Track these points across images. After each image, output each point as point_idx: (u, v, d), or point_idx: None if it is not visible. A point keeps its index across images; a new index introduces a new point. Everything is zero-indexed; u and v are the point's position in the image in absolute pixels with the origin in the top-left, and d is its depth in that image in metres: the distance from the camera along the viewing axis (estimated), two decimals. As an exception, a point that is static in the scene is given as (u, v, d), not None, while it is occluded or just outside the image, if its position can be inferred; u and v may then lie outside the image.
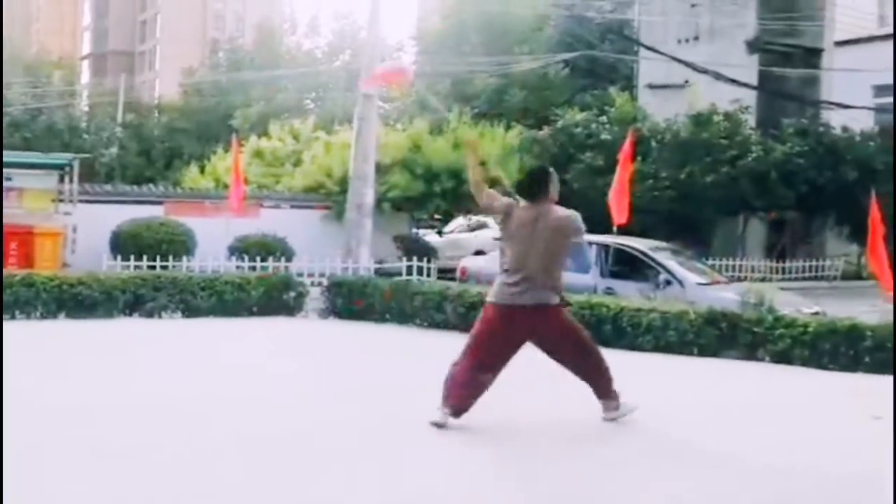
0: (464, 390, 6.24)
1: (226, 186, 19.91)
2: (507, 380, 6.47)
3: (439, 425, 6.20)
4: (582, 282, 12.30)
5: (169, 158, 34.06)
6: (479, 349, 6.34)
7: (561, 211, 6.49)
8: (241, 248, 18.22)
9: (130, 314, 12.36)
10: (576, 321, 6.80)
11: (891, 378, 8.63)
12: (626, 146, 15.53)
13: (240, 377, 8.25)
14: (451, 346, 10.49)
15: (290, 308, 13.48)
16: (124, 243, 18.10)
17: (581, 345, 6.50)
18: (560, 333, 6.44)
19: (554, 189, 6.55)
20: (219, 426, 6.29)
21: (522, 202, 6.50)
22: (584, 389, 6.59)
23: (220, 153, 26.49)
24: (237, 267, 16.57)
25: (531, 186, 6.53)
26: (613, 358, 9.61)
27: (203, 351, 10.05)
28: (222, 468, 5.28)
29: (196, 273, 14.72)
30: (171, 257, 17.02)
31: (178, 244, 18.28)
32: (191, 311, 12.78)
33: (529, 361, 6.63)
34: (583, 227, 6.52)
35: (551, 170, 6.84)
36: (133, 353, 9.50)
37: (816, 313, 11.12)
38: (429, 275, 17.23)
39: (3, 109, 28.34)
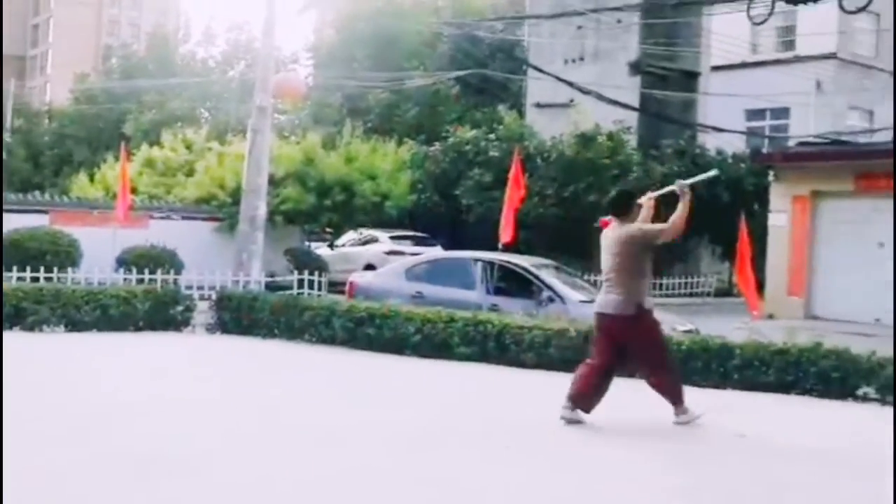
0: (587, 390, 7.27)
1: (115, 195, 19.57)
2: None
3: (571, 421, 7.21)
4: (468, 298, 12.59)
5: (58, 165, 33.21)
6: (595, 353, 7.55)
7: (630, 226, 7.35)
8: (129, 260, 17.90)
9: (11, 328, 12.02)
10: (659, 335, 7.64)
11: (756, 395, 9.20)
12: (515, 165, 15.97)
13: (113, 395, 8.16)
14: (336, 362, 10.86)
15: (177, 322, 13.38)
16: (6, 253, 17.61)
17: (655, 358, 7.40)
18: (638, 341, 7.32)
19: (637, 210, 7.51)
20: (96, 447, 6.20)
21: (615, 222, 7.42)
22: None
23: (111, 161, 25.99)
24: (124, 279, 16.33)
25: (614, 207, 7.50)
26: (496, 374, 10.08)
27: (81, 367, 9.84)
28: (94, 489, 5.23)
29: (81, 285, 14.49)
30: (55, 269, 16.65)
31: (63, 255, 17.83)
32: (74, 325, 12.59)
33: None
34: (645, 230, 7.42)
35: (633, 192, 7.77)
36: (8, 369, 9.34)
37: (690, 331, 11.46)
38: (320, 288, 17.35)
39: None
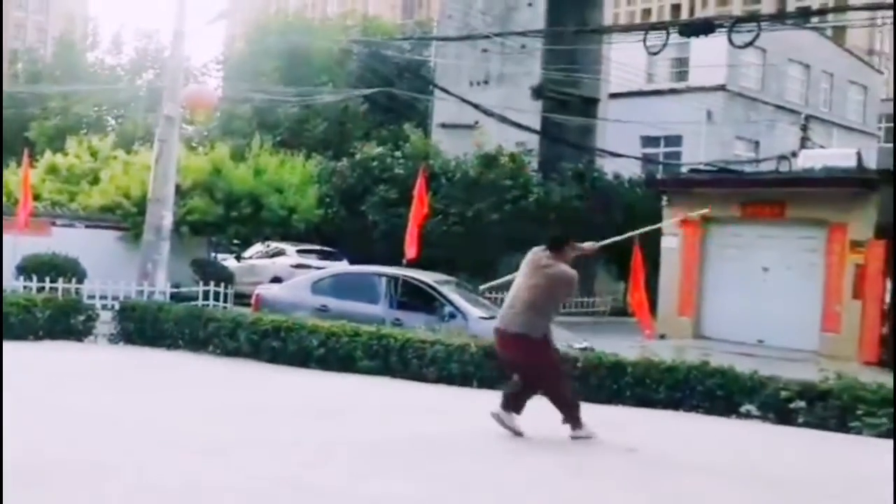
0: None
1: (16, 202, 19.23)
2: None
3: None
4: (371, 312, 12.80)
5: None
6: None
7: (562, 266, 7.66)
8: (30, 268, 17.57)
9: None
10: (557, 364, 7.93)
11: (648, 411, 9.48)
12: (420, 183, 16.34)
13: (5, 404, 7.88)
14: (238, 374, 10.89)
15: (78, 332, 13.23)
16: (2, 262, 17.08)
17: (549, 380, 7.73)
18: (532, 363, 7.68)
19: (570, 252, 7.81)
20: None
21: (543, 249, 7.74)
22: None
23: (13, 167, 25.41)
24: (24, 287, 16.07)
25: (552, 241, 7.83)
26: (398, 388, 10.15)
27: None
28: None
29: (-22, 292, 14.26)
30: (1, 280, 16.22)
31: (-40, 261, 17.47)
32: (-30, 333, 12.41)
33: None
34: (569, 283, 7.72)
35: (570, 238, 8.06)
36: None
37: (585, 348, 11.72)
38: (226, 300, 17.36)
39: None
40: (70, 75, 36.33)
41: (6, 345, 11.99)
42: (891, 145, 33.71)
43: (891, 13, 16.09)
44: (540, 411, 7.71)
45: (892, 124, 39.88)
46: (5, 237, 17.51)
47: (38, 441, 6.66)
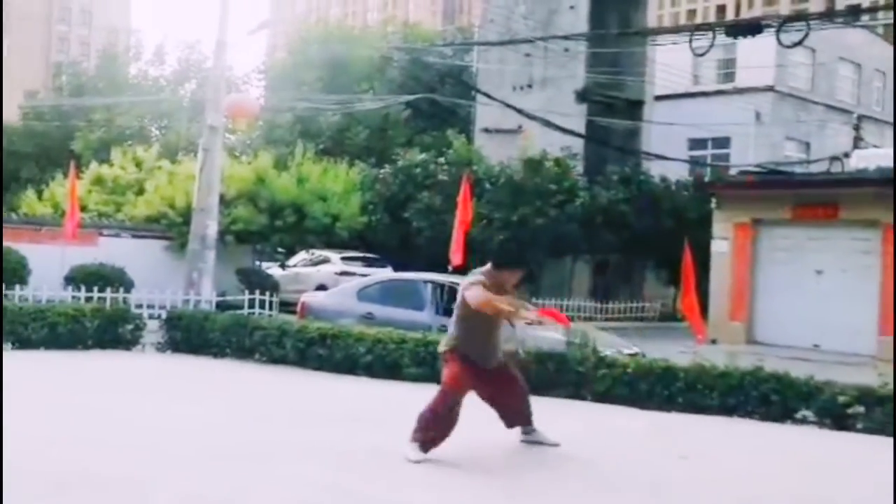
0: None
1: (64, 213, 19.42)
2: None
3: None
4: (418, 319, 12.69)
5: (6, 182, 32.63)
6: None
7: (477, 282, 6.93)
8: (78, 278, 17.74)
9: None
10: (449, 379, 6.97)
11: (700, 417, 9.31)
12: (464, 189, 16.21)
13: (57, 413, 8.11)
14: (284, 382, 10.85)
15: (126, 341, 13.27)
16: (2, 269, 17.32)
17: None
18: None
19: (510, 274, 7.01)
20: (44, 466, 6.12)
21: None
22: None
23: (60, 178, 25.73)
24: (73, 297, 16.19)
25: (496, 255, 7.25)
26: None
27: (25, 385, 9.55)
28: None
29: (28, 303, 14.35)
30: (2, 285, 16.43)
31: (10, 272, 17.61)
32: (21, 343, 12.41)
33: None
34: (467, 288, 6.86)
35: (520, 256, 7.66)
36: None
37: (635, 354, 11.55)
38: (271, 308, 17.35)
39: None
40: (113, 87, 36.80)
41: (56, 354, 12.18)
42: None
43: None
44: (586, 424, 7.50)
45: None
46: (53, 248, 17.68)
47: (85, 451, 6.62)
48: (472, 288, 6.73)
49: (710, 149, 31.37)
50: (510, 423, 7.30)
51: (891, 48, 36.66)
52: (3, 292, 15.84)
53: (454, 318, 7.05)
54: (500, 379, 7.11)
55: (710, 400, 9.51)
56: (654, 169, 27.74)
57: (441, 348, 7.17)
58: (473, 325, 6.86)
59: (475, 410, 7.12)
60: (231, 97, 19.99)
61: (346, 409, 9.24)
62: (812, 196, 19.31)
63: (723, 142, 30.88)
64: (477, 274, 6.94)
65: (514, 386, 7.22)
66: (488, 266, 7.00)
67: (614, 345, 12.16)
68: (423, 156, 26.55)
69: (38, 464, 6.18)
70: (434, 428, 6.73)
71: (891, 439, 8.37)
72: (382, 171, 27.04)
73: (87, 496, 5.53)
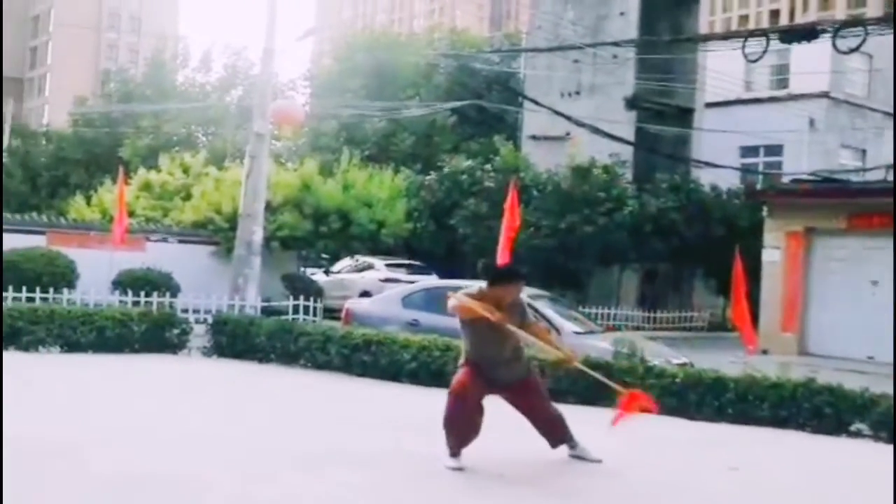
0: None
1: (112, 218, 19.66)
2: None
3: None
4: (463, 327, 12.69)
5: (55, 187, 33.24)
6: None
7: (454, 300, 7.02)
8: (125, 283, 17.94)
9: (6, 347, 11.94)
10: (455, 384, 7.00)
11: (751, 429, 9.21)
12: (511, 195, 16.08)
13: (105, 416, 8.17)
14: (329, 388, 10.84)
15: (173, 345, 13.36)
16: (3, 273, 17.62)
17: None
18: None
19: (506, 289, 7.00)
20: (96, 467, 6.20)
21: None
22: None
23: (108, 184, 26.08)
24: (120, 301, 16.34)
25: (485, 272, 7.53)
26: (490, 403, 9.99)
27: (74, 388, 9.78)
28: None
29: (77, 306, 14.51)
30: (51, 289, 16.66)
31: (60, 276, 17.89)
32: (70, 346, 12.56)
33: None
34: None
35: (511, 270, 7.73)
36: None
37: (684, 364, 11.45)
38: (315, 314, 17.39)
39: None
40: (161, 94, 37.30)
41: (103, 358, 12.31)
42: None
43: None
44: (633, 435, 7.35)
45: None
46: (102, 252, 17.87)
47: (134, 454, 6.68)
48: (451, 297, 6.83)
49: (763, 156, 30.84)
50: (552, 444, 7.19)
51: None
52: (52, 296, 16.11)
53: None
54: (525, 395, 7.09)
55: (761, 411, 9.40)
56: (705, 177, 27.37)
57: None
58: (476, 337, 6.94)
59: (520, 421, 7.05)
60: (277, 104, 20.04)
61: (391, 415, 9.21)
62: (867, 205, 18.87)
63: (775, 149, 30.34)
64: (471, 290, 7.03)
65: (539, 406, 7.14)
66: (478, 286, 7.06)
67: (662, 354, 12.05)
68: (469, 162, 26.45)
69: (90, 464, 6.25)
70: (454, 434, 6.76)
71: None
72: (428, 177, 26.98)
73: (138, 495, 5.58)
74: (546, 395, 7.30)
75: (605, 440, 8.25)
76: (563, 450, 7.17)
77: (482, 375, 6.88)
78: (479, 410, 6.83)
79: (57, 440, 6.84)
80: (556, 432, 7.16)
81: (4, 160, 33.23)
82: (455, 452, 6.72)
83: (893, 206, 16.98)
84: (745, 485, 6.78)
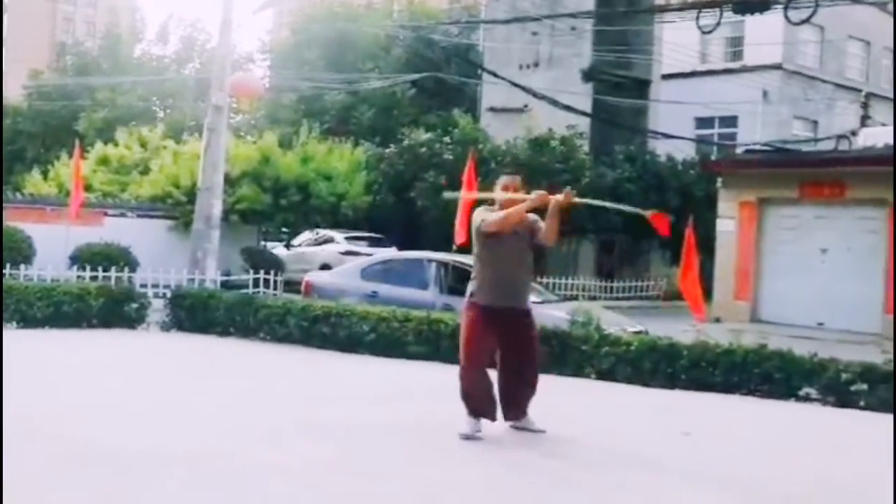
0: None
1: (69, 193, 19.47)
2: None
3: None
4: (422, 298, 12.70)
5: (10, 162, 32.64)
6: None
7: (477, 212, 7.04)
8: (83, 258, 17.81)
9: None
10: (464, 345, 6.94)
11: (704, 395, 9.30)
12: (469, 168, 16.14)
13: (60, 391, 8.15)
14: (288, 360, 10.90)
15: (131, 320, 13.32)
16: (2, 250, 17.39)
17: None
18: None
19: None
20: (61, 442, 6.21)
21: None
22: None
23: (65, 158, 25.76)
24: (78, 277, 16.24)
25: None
26: (450, 373, 10.12)
27: (30, 363, 9.69)
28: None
29: (34, 282, 14.42)
30: (8, 265, 16.52)
31: (16, 251, 17.72)
32: (27, 322, 12.51)
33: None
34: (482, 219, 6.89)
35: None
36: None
37: (639, 332, 11.59)
38: (275, 288, 17.40)
39: None
40: (117, 67, 36.75)
41: (61, 333, 12.25)
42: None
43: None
44: (588, 402, 7.43)
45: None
46: (58, 227, 17.73)
47: (94, 430, 6.66)
48: (487, 216, 6.73)
49: (717, 127, 31.22)
50: (508, 410, 6.95)
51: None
52: (9, 272, 15.97)
53: (473, 264, 6.99)
54: (517, 332, 6.88)
55: (713, 377, 9.53)
56: (661, 148, 27.63)
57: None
58: (498, 250, 6.78)
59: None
60: (236, 76, 19.93)
61: (353, 387, 9.24)
62: (819, 175, 19.20)
63: (730, 120, 30.72)
64: (482, 210, 6.91)
65: (529, 347, 6.93)
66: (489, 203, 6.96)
67: (618, 323, 12.17)
68: (428, 135, 26.45)
69: (55, 439, 6.25)
70: (472, 396, 6.75)
71: (884, 415, 8.40)
72: (388, 150, 26.96)
73: (102, 468, 5.59)
74: (538, 350, 7.09)
75: (559, 408, 8.41)
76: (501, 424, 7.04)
77: (487, 312, 6.74)
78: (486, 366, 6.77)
79: (21, 415, 6.80)
80: (521, 398, 6.95)
81: None
82: (476, 416, 6.72)
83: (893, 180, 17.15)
84: (697, 449, 6.86)
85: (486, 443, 6.73)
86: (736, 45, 31.14)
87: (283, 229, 25.56)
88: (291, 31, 39.35)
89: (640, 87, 29.12)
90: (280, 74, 35.35)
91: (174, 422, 7.08)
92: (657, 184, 25.16)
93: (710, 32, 16.10)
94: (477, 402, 6.78)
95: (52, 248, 17.50)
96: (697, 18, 16.94)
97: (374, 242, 23.82)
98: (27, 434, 6.31)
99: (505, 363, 6.92)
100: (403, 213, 25.65)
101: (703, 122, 31.08)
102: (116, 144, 25.74)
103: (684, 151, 27.15)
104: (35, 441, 6.19)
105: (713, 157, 25.20)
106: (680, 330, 11.28)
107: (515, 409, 6.96)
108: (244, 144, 24.13)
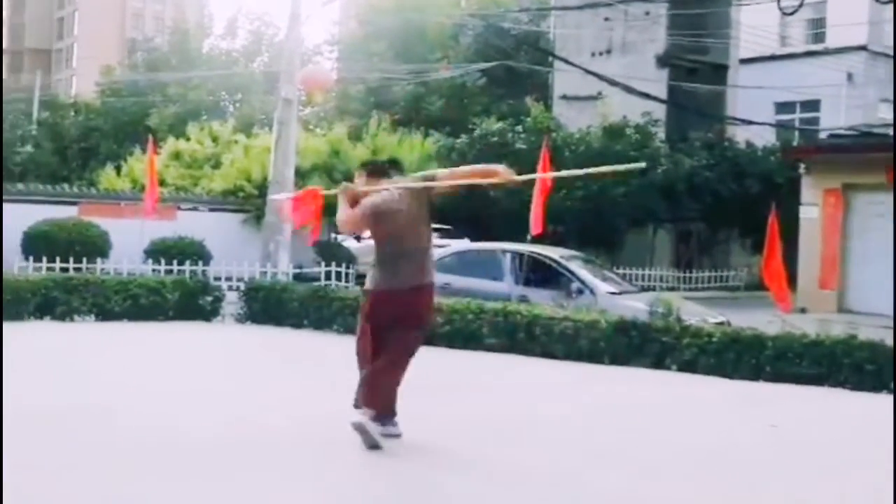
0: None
1: (142, 188, 19.71)
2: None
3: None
4: (497, 289, 12.54)
5: (85, 158, 33.32)
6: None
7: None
8: (158, 251, 18.02)
9: (41, 317, 12.16)
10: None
11: (790, 387, 9.10)
12: (543, 157, 15.86)
13: (142, 383, 8.20)
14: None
15: (206, 313, 13.39)
16: (36, 244, 17.75)
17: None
18: None
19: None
20: (129, 430, 6.24)
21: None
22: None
23: (137, 154, 26.13)
24: (153, 270, 16.40)
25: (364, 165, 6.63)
26: (527, 365, 9.98)
27: (113, 355, 9.87)
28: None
29: (110, 276, 14.56)
30: (84, 259, 16.76)
31: (92, 246, 17.99)
32: (104, 315, 12.61)
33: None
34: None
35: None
36: (36, 359, 9.32)
37: (721, 323, 11.40)
38: (347, 280, 17.34)
39: None
40: (187, 62, 37.20)
41: (138, 325, 12.40)
42: None
43: None
44: (669, 394, 7.19)
45: None
46: (133, 222, 17.93)
47: (171, 417, 6.73)
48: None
49: (799, 112, 30.26)
50: (359, 400, 6.02)
51: None
52: (86, 266, 16.21)
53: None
54: (404, 313, 6.04)
55: (799, 369, 9.31)
56: (740, 134, 26.95)
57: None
58: (381, 249, 6.11)
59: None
60: (305, 69, 19.81)
61: (423, 378, 9.09)
62: (908, 159, 18.43)
63: (812, 105, 29.75)
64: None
65: (403, 334, 6.04)
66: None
67: (699, 314, 11.95)
68: (499, 124, 26.18)
69: (125, 429, 6.30)
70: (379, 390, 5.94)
71: None
72: (458, 140, 26.75)
73: (187, 457, 5.66)
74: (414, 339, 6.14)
75: (639, 399, 8.19)
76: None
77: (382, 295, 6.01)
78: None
79: (95, 405, 6.89)
80: (375, 385, 5.97)
81: (34, 132, 33.38)
82: (384, 410, 5.94)
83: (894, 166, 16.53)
84: (786, 442, 6.73)
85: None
86: (818, 27, 30.13)
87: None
88: (359, 23, 39.41)
89: (718, 72, 28.48)
90: (348, 66, 35.42)
91: (244, 410, 7.06)
92: (736, 171, 24.51)
93: (792, 13, 15.52)
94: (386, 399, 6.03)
95: (128, 242, 17.72)
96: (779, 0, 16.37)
97: (446, 234, 23.60)
98: (111, 425, 6.38)
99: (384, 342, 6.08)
100: (475, 204, 25.38)
101: (783, 107, 30.16)
102: (188, 139, 26.02)
103: (764, 138, 26.42)
104: (117, 431, 6.23)
105: (795, 143, 24.43)
106: (764, 320, 11.11)
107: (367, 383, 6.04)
108: (314, 137, 24.18)
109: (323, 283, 16.41)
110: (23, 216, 18.45)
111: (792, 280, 15.58)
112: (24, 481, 4.96)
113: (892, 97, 30.40)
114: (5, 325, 11.38)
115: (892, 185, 18.64)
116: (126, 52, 47.03)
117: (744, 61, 29.24)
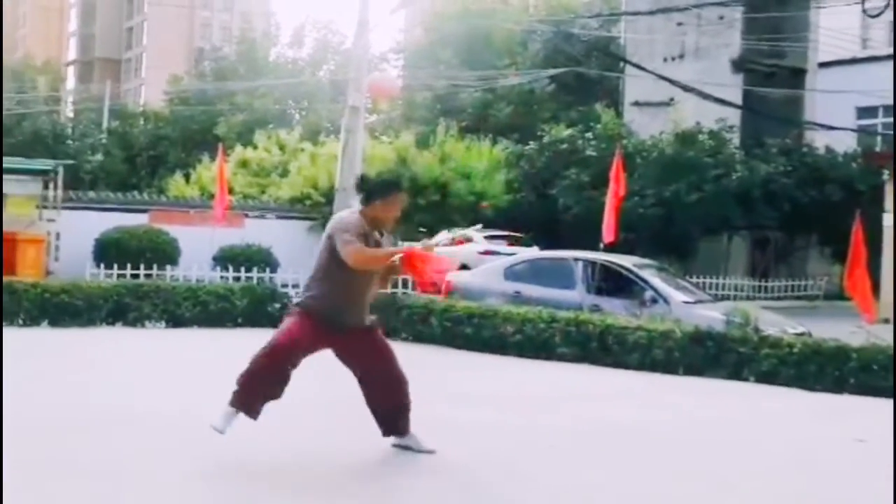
0: None
1: (211, 196, 19.87)
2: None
3: None
4: (568, 298, 12.33)
5: (154, 166, 33.85)
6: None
7: (342, 218, 5.85)
8: (226, 258, 18.14)
9: (113, 323, 12.34)
10: (283, 328, 5.95)
11: (876, 400, 8.69)
12: (616, 164, 15.55)
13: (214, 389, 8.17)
14: (433, 360, 10.64)
15: (274, 319, 13.35)
16: (108, 251, 17.99)
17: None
18: None
19: (384, 205, 5.76)
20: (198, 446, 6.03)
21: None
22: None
23: (206, 162, 26.42)
24: (221, 277, 16.48)
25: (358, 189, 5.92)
26: (600, 375, 9.76)
27: (185, 362, 9.93)
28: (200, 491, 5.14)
29: (180, 282, 14.67)
30: (154, 266, 16.91)
31: (162, 253, 18.20)
32: (174, 321, 12.75)
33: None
34: (340, 237, 5.63)
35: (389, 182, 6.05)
36: (112, 364, 9.41)
37: (802, 333, 11.13)
38: (414, 288, 17.20)
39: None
40: (254, 71, 37.59)
41: (208, 332, 12.53)
42: None
43: None
44: (747, 406, 6.85)
45: None
46: (202, 229, 18.06)
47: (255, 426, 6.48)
48: (345, 240, 5.53)
49: (881, 117, 29.28)
50: (386, 427, 6.05)
51: None
52: (156, 272, 16.32)
53: (314, 269, 5.80)
54: (367, 347, 5.92)
55: (885, 381, 9.08)
56: (819, 140, 26.19)
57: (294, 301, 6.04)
58: (340, 280, 5.65)
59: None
60: (372, 76, 19.81)
61: (494, 388, 9.04)
62: None
63: (895, 109, 28.87)
64: (345, 219, 5.72)
65: (385, 359, 5.94)
66: (357, 209, 5.80)
67: (778, 324, 11.63)
68: (569, 131, 25.84)
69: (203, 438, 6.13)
70: (258, 387, 5.73)
71: None
72: (527, 147, 26.47)
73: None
74: (394, 354, 6.00)
75: (715, 412, 7.89)
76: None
77: (320, 326, 5.74)
78: (294, 367, 5.82)
79: (170, 412, 6.95)
80: (396, 413, 5.97)
81: (104, 141, 33.95)
82: (248, 410, 5.71)
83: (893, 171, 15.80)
84: (874, 456, 6.46)
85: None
86: (901, 29, 29.20)
87: (420, 229, 25.40)
88: (425, 30, 39.40)
89: (795, 77, 27.73)
90: (414, 74, 35.39)
91: (321, 416, 7.09)
92: (815, 177, 23.76)
93: (878, 15, 14.94)
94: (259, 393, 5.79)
95: (197, 249, 17.87)
96: (863, 2, 15.84)
97: (514, 241, 23.31)
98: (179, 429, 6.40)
99: (370, 382, 5.98)
100: (544, 212, 25.07)
101: (865, 112, 29.25)
102: (255, 147, 26.23)
103: (845, 143, 25.61)
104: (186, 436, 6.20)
105: (878, 149, 23.61)
106: (846, 331, 10.79)
107: (390, 417, 6.02)
108: (380, 145, 24.16)
109: (390, 290, 16.27)
110: (94, 223, 18.76)
111: (874, 290, 14.96)
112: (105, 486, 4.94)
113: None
114: (79, 331, 11.66)
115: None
116: (194, 62, 47.83)
117: (823, 65, 28.45)
